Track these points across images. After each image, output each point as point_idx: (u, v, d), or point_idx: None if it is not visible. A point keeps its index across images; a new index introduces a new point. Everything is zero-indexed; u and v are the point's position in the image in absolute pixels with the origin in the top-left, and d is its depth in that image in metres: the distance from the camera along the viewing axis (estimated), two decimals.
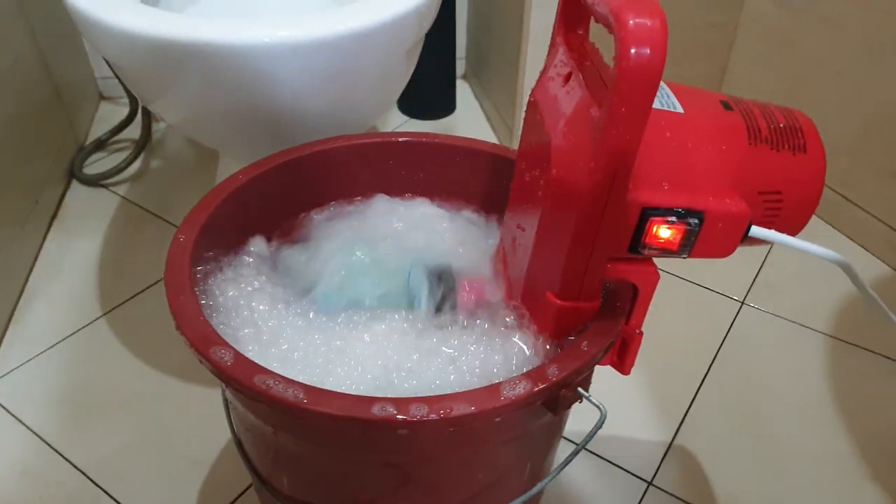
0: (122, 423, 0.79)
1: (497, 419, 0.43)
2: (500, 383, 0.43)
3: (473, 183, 0.66)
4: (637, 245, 0.46)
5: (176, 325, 0.47)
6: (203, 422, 0.79)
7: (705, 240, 0.46)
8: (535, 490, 0.52)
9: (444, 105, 1.34)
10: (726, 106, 0.50)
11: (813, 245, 0.49)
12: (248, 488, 0.73)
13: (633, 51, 0.38)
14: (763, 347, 0.91)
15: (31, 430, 0.78)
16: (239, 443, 0.58)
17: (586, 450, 0.78)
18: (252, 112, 0.69)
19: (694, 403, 0.84)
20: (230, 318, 0.52)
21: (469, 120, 1.35)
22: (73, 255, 1.00)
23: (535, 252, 0.50)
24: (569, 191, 0.45)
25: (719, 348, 0.91)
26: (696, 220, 0.45)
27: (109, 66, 0.77)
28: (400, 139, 0.65)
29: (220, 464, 0.75)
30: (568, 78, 0.48)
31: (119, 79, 0.82)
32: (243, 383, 0.42)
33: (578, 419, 0.67)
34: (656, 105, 0.48)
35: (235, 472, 0.74)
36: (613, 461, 0.77)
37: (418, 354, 0.50)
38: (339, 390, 0.42)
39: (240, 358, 0.44)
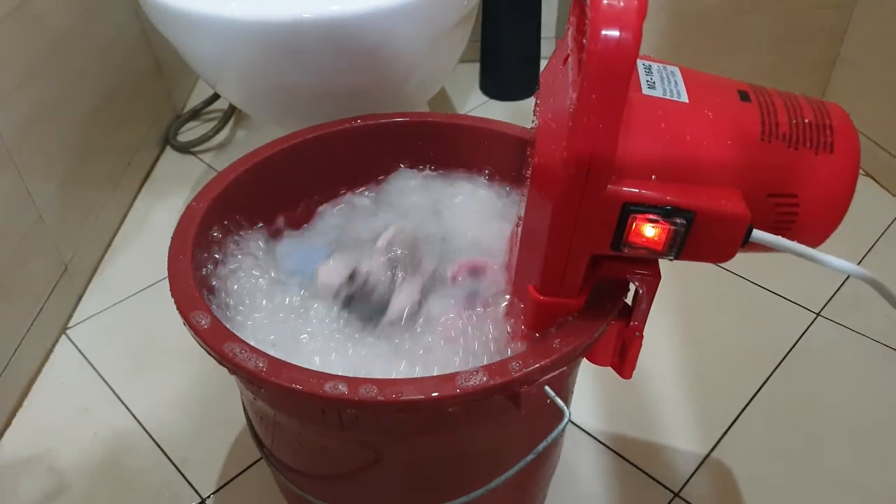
0: (174, 374, 0.84)
1: (450, 409, 0.43)
2: (457, 373, 0.42)
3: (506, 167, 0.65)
4: (619, 243, 0.43)
5: (169, 287, 0.49)
6: None
7: (697, 242, 0.43)
8: (494, 484, 0.50)
9: (525, 86, 1.31)
10: (744, 96, 0.46)
11: (831, 257, 0.45)
12: None
13: (603, 33, 0.36)
14: (833, 366, 0.83)
15: (98, 373, 0.85)
16: (244, 405, 0.61)
17: (617, 454, 0.75)
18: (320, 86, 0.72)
19: (740, 418, 0.78)
20: (233, 290, 0.54)
21: None
22: (157, 216, 1.08)
23: (522, 243, 0.48)
24: (547, 179, 0.43)
25: (780, 362, 0.84)
26: (684, 220, 0.42)
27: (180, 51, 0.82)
28: (426, 119, 0.65)
29: None
30: (566, 60, 0.46)
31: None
32: (213, 348, 0.44)
33: (614, 421, 0.64)
34: (656, 93, 0.44)
35: None
36: (642, 467, 0.74)
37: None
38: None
39: (215, 324, 0.46)
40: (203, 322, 0.46)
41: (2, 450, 0.77)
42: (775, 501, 0.71)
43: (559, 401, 0.44)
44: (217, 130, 1.20)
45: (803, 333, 0.87)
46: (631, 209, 0.42)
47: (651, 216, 0.42)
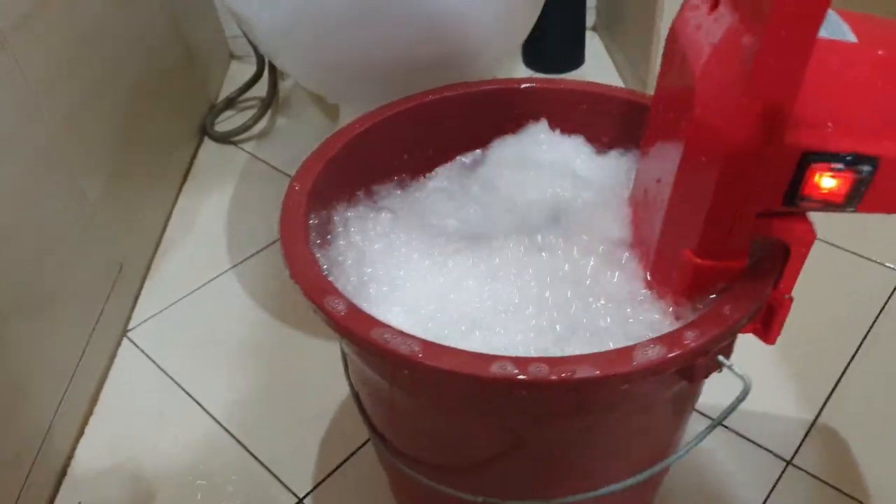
0: (248, 372, 0.81)
1: (625, 386, 0.40)
2: (632, 347, 0.39)
3: (604, 132, 0.62)
4: (794, 197, 0.40)
5: (290, 275, 0.46)
6: (324, 375, 0.80)
7: (877, 191, 0.40)
8: (660, 466, 0.48)
9: (571, 58, 1.27)
10: None
11: None
12: (366, 442, 0.73)
13: None
14: None
15: (168, 375, 0.82)
16: (356, 396, 0.57)
17: (721, 424, 0.72)
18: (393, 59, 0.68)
19: (842, 380, 0.76)
20: (349, 268, 0.51)
21: (598, 74, 1.28)
22: (205, 210, 1.04)
23: (673, 205, 0.45)
24: (714, 133, 0.39)
25: (874, 322, 0.81)
26: (869, 168, 0.39)
27: (239, 24, 0.78)
28: (523, 85, 0.61)
29: (340, 417, 0.76)
30: (715, 5, 0.43)
31: (247, 37, 0.83)
32: (358, 335, 0.41)
33: (714, 391, 0.62)
34: (821, 34, 0.41)
35: (354, 427, 0.74)
36: (749, 437, 0.71)
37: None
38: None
39: (353, 309, 0.42)
40: (340, 308, 0.42)
41: (79, 460, 0.74)
42: (890, 459, 0.68)
43: (737, 370, 0.41)
44: (257, 119, 1.16)
45: (893, 292, 0.84)
46: (810, 159, 0.39)
47: (833, 165, 0.39)
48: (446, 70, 0.73)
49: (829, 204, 0.40)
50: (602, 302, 0.47)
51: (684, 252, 0.44)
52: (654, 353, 0.39)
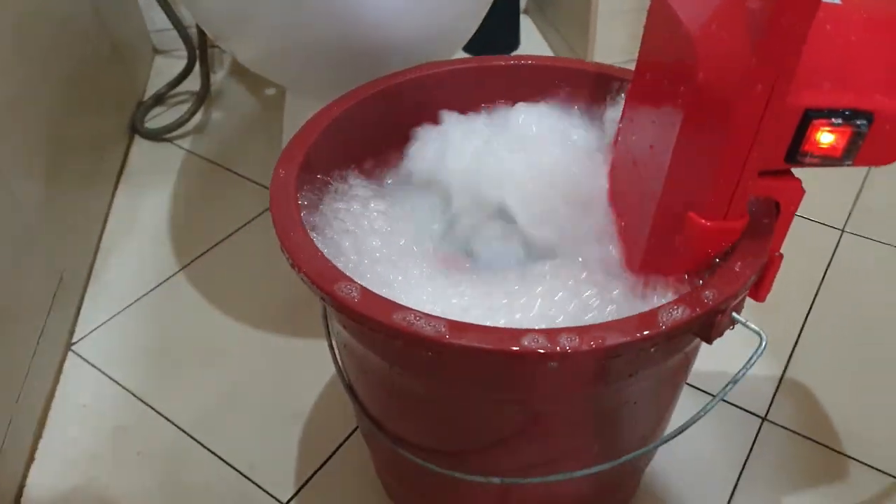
0: (211, 376, 0.77)
1: (652, 349, 0.40)
2: (654, 310, 0.39)
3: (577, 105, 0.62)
4: (795, 153, 0.41)
5: (291, 264, 0.44)
6: (293, 373, 0.77)
7: (871, 144, 0.41)
8: (671, 433, 0.49)
9: (507, 41, 1.27)
10: None
11: None
12: (348, 438, 0.71)
13: None
14: (868, 275, 0.86)
15: (122, 387, 0.77)
16: (350, 388, 0.56)
17: (692, 386, 0.74)
18: (342, 40, 0.65)
19: (801, 336, 0.79)
20: (340, 251, 0.49)
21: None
22: (143, 211, 0.99)
23: (674, 169, 0.45)
24: (720, 95, 0.40)
25: (822, 279, 0.85)
26: (865, 122, 0.40)
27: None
28: (501, 63, 0.61)
29: (316, 415, 0.73)
30: None
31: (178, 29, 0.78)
32: (377, 320, 0.39)
33: None
34: None
35: (334, 423, 0.72)
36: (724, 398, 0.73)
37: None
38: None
39: (369, 293, 0.41)
40: (354, 294, 0.41)
41: (33, 484, 0.69)
42: (857, 405, 0.72)
43: (753, 326, 0.42)
44: (192, 113, 1.10)
45: (835, 250, 0.89)
46: (812, 115, 0.40)
47: (833, 121, 0.40)
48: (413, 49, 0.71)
49: (827, 158, 0.41)
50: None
51: (689, 215, 0.44)
52: (678, 314, 0.39)
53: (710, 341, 0.43)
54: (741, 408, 0.72)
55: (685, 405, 0.55)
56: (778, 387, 0.74)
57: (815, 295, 0.83)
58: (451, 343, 0.38)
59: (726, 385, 0.43)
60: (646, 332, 0.38)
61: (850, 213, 0.94)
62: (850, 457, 0.68)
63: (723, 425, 0.71)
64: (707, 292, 0.40)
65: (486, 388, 0.44)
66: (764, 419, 0.71)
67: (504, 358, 0.38)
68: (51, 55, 0.88)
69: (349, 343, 0.49)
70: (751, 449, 0.69)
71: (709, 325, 0.41)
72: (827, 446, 0.69)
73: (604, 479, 0.56)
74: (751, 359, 0.42)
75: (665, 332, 0.39)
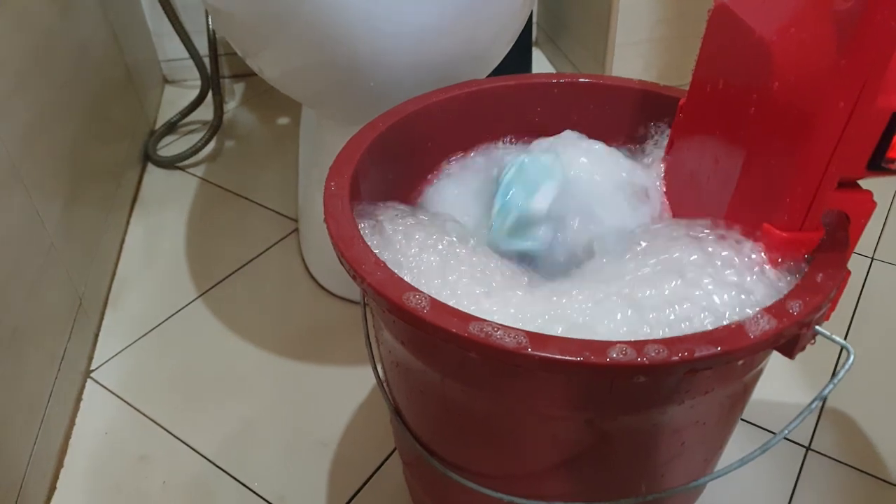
0: (234, 404, 0.75)
1: (740, 362, 0.38)
2: (741, 322, 0.38)
3: (622, 124, 0.61)
4: (880, 160, 0.40)
5: (353, 276, 0.42)
6: (319, 400, 0.74)
7: None
8: (735, 462, 0.47)
9: (520, 72, 1.28)
10: None
11: None
12: (379, 467, 0.68)
13: None
14: None
15: (144, 415, 0.74)
16: (396, 411, 0.53)
17: (745, 420, 0.72)
18: (373, 59, 0.64)
19: (837, 364, 0.78)
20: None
21: None
22: (159, 237, 0.97)
23: (745, 180, 0.44)
24: (800, 100, 0.39)
25: (855, 306, 0.84)
26: None
27: (210, 25, 0.73)
28: (549, 80, 0.60)
29: (346, 443, 0.70)
30: None
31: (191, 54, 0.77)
32: (451, 331, 0.37)
33: None
34: None
35: (365, 452, 0.69)
36: (766, 427, 0.71)
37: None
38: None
39: (439, 304, 0.39)
40: (423, 304, 0.39)
41: None
42: None
43: (839, 339, 0.40)
44: (206, 141, 1.09)
45: (866, 277, 0.88)
46: None
47: None
48: (421, 81, 0.70)
49: None
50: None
51: (764, 226, 0.43)
52: (766, 325, 0.38)
53: (792, 356, 0.41)
54: (785, 437, 0.70)
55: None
56: (820, 416, 0.72)
57: (850, 323, 0.82)
58: (533, 355, 0.36)
59: (811, 401, 0.41)
60: (736, 345, 0.37)
61: (878, 240, 0.93)
62: None
63: (767, 455, 0.69)
64: (792, 303, 0.39)
65: (558, 405, 0.42)
66: (808, 448, 0.69)
67: (587, 371, 0.36)
68: (72, 79, 0.86)
69: (404, 361, 0.47)
70: (797, 479, 0.67)
71: (794, 339, 0.40)
72: (875, 476, 0.67)
73: None
74: (841, 373, 0.40)
75: (756, 344, 0.37)
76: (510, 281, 0.47)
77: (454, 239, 0.49)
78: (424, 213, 0.53)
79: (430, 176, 0.60)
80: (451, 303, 0.41)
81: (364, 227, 0.50)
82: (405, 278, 0.41)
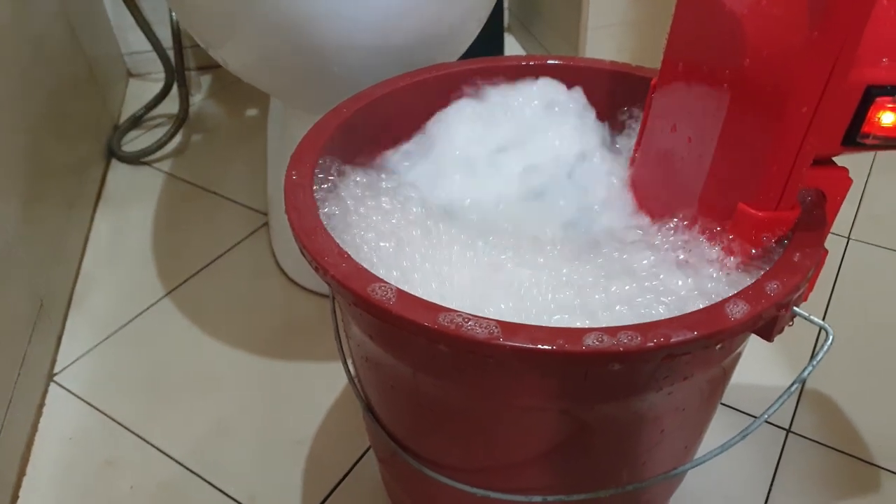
0: (203, 404, 0.72)
1: (718, 346, 0.37)
2: (719, 304, 0.37)
3: (595, 106, 0.59)
4: (855, 135, 0.39)
5: (316, 268, 0.40)
6: (292, 399, 0.73)
7: None
8: (736, 440, 0.46)
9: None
10: None
11: None
12: (354, 465, 0.66)
13: None
14: (878, 281, 0.85)
15: (110, 418, 0.71)
16: (368, 407, 0.52)
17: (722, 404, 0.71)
18: (338, 45, 0.62)
19: (817, 345, 0.77)
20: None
21: None
22: (124, 235, 0.94)
23: (719, 159, 0.43)
24: (773, 75, 0.38)
25: (832, 288, 0.84)
26: None
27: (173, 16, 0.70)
28: (519, 63, 0.58)
29: (320, 442, 0.69)
30: None
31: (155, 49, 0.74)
32: (420, 323, 0.36)
33: None
34: None
35: (339, 450, 0.68)
36: (746, 411, 0.71)
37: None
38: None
39: (406, 295, 0.37)
40: (390, 296, 0.37)
41: None
42: (881, 412, 0.70)
43: (817, 320, 0.39)
44: (171, 136, 1.06)
45: (843, 257, 0.88)
46: (875, 93, 0.38)
47: None
48: (387, 65, 0.69)
49: (889, 140, 0.39)
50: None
51: (740, 206, 0.42)
52: (744, 307, 0.36)
53: (770, 338, 0.40)
54: (765, 421, 0.70)
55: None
56: (799, 398, 0.72)
57: (828, 304, 0.82)
58: (505, 345, 0.35)
59: (791, 384, 0.40)
60: (715, 328, 0.35)
61: (854, 220, 0.93)
62: (881, 467, 0.66)
63: (747, 438, 0.68)
64: (769, 284, 0.38)
65: (532, 395, 0.40)
66: (789, 431, 0.69)
67: (562, 360, 0.35)
68: (28, 74, 0.83)
69: (373, 355, 0.46)
70: (778, 462, 0.66)
71: (772, 321, 0.39)
72: (855, 456, 0.66)
73: (640, 496, 0.53)
74: (820, 354, 0.39)
75: (735, 327, 0.36)
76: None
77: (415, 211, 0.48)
78: (388, 181, 0.51)
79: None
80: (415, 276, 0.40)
81: (330, 211, 0.49)
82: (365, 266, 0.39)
